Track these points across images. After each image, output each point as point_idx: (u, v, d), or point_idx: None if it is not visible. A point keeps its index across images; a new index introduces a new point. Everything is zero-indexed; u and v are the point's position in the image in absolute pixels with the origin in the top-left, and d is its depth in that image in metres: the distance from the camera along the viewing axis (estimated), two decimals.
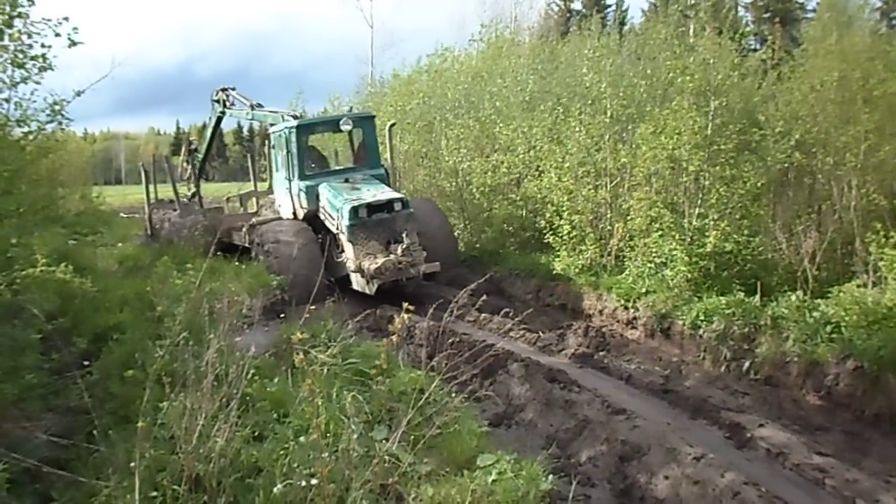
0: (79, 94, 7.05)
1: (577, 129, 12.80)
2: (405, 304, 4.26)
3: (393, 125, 14.67)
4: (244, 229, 14.85)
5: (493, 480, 4.70)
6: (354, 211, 11.96)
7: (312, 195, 13.13)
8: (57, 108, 6.89)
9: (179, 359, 4.74)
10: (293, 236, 12.68)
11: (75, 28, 6.61)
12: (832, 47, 10.84)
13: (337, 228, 12.35)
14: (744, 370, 8.66)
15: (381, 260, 11.43)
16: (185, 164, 18.67)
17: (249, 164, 20.16)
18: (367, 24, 31.08)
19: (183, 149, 19.46)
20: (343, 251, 12.41)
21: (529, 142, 14.60)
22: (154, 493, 3.89)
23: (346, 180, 13.25)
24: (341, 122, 13.56)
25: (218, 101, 16.68)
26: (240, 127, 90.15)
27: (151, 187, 18.64)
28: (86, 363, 6.14)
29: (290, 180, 13.62)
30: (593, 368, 8.68)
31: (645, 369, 8.59)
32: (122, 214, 28.78)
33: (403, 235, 11.83)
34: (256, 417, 5.13)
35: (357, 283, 11.95)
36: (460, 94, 17.10)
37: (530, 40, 23.21)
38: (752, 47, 22.81)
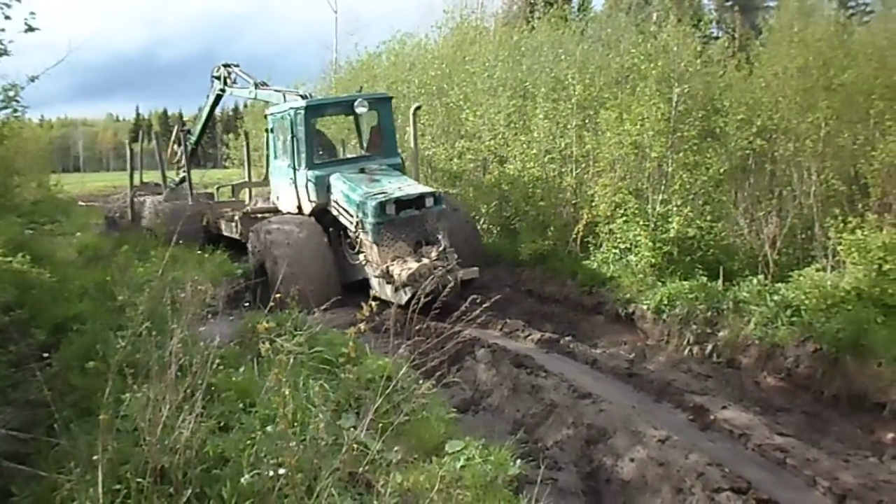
0: (33, 79, 6.88)
1: (542, 115, 12.83)
2: (372, 293, 4.22)
3: (418, 108, 13.16)
4: (236, 218, 13.74)
5: (462, 466, 4.72)
6: (381, 207, 10.37)
7: (322, 186, 11.57)
8: (11, 94, 6.72)
9: (142, 349, 4.66)
10: (303, 237, 11.17)
11: (32, 13, 6.44)
12: (794, 36, 11.00)
13: (356, 226, 10.79)
14: (707, 353, 8.82)
15: (414, 265, 9.89)
16: (174, 147, 17.60)
17: (245, 151, 18.33)
18: (331, 10, 30.63)
19: (175, 130, 18.14)
20: (359, 251, 11.02)
21: (495, 128, 14.59)
22: (118, 486, 3.82)
23: (362, 170, 11.70)
24: (356, 104, 11.82)
25: (218, 78, 15.57)
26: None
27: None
28: (45, 355, 5.99)
29: (294, 169, 12.02)
30: (559, 353, 8.72)
31: (610, 354, 8.67)
32: (80, 203, 28.23)
33: (439, 236, 10.41)
34: (222, 408, 5.05)
35: (381, 290, 10.19)
36: (428, 79, 16.98)
37: (496, 26, 23.17)
38: (714, 35, 23.10)
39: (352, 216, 10.90)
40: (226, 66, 15.32)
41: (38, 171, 26.12)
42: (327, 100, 14.44)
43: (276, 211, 13.06)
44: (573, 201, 12.70)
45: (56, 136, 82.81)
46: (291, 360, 4.37)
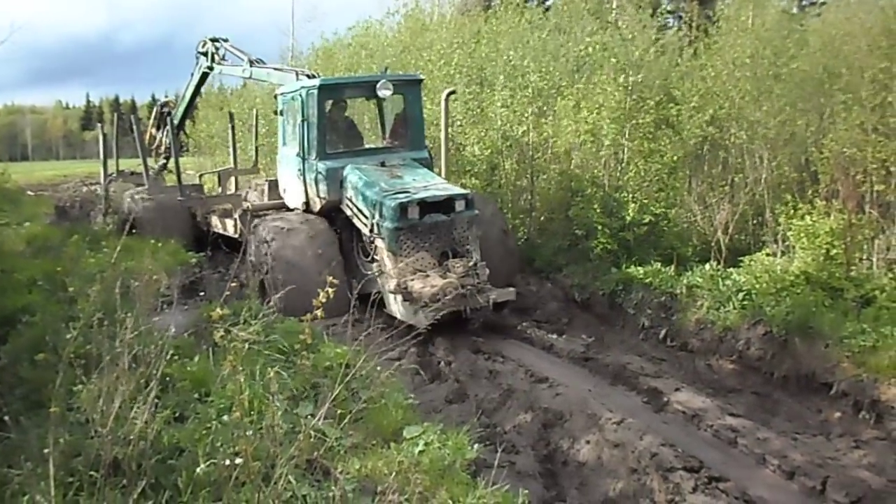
0: None
1: (499, 103, 12.86)
2: (329, 279, 4.13)
3: (452, 93, 11.25)
4: (237, 215, 11.95)
5: (420, 451, 4.73)
6: (401, 209, 8.66)
7: (335, 180, 9.79)
8: None
9: (94, 340, 4.57)
10: (305, 239, 9.44)
11: None
12: (746, 25, 11.19)
13: (372, 230, 9.05)
14: (661, 337, 8.97)
15: (439, 281, 8.30)
16: (153, 132, 16.25)
17: (231, 136, 16.17)
18: None
19: (154, 112, 16.65)
20: (373, 260, 9.28)
21: (453, 117, 14.54)
22: (70, 480, 3.76)
23: (383, 164, 9.93)
24: (378, 86, 9.96)
25: (204, 54, 13.93)
26: (154, 99, 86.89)
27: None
28: None
29: (303, 159, 10.18)
30: (516, 339, 8.80)
31: (566, 339, 8.77)
32: (29, 192, 27.48)
33: (469, 248, 8.92)
34: (177, 398, 5.00)
35: (398, 308, 8.65)
36: (384, 66, 16.82)
37: (452, 14, 23.08)
38: (670, 25, 23.38)
39: (367, 218, 9.22)
40: (213, 40, 13.78)
41: None
42: (345, 80, 12.55)
43: (282, 207, 11.38)
44: (530, 188, 12.76)
45: (3, 123, 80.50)
46: (247, 349, 4.33)
